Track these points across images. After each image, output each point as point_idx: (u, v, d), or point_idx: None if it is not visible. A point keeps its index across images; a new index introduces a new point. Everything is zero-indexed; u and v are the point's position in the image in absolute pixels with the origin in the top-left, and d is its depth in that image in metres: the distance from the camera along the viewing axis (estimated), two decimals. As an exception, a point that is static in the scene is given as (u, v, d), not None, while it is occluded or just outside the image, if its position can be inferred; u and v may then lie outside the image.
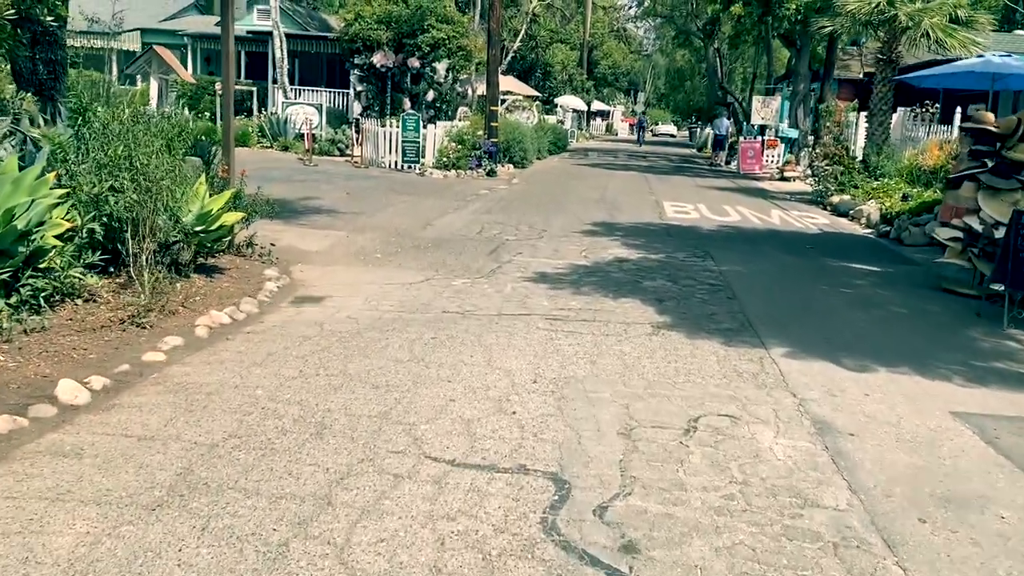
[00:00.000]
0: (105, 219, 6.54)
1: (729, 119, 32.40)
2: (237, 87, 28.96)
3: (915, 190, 14.88)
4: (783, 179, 24.57)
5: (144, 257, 6.41)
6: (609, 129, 65.67)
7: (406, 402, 4.75)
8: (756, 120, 32.09)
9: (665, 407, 4.88)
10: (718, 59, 34.63)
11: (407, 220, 12.32)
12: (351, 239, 10.39)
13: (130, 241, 6.39)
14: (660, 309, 7.37)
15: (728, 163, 31.07)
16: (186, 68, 31.91)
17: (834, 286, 8.97)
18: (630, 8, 62.88)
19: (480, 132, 21.44)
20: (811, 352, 6.20)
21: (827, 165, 24.19)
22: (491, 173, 20.70)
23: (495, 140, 21.45)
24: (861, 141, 23.51)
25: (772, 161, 29.62)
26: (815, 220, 15.32)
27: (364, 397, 4.80)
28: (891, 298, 8.55)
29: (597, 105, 60.92)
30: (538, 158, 27.46)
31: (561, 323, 6.69)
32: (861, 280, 9.49)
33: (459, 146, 20.86)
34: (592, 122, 59.08)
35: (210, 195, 7.85)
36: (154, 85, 13.47)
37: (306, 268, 8.49)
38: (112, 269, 6.68)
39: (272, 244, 9.00)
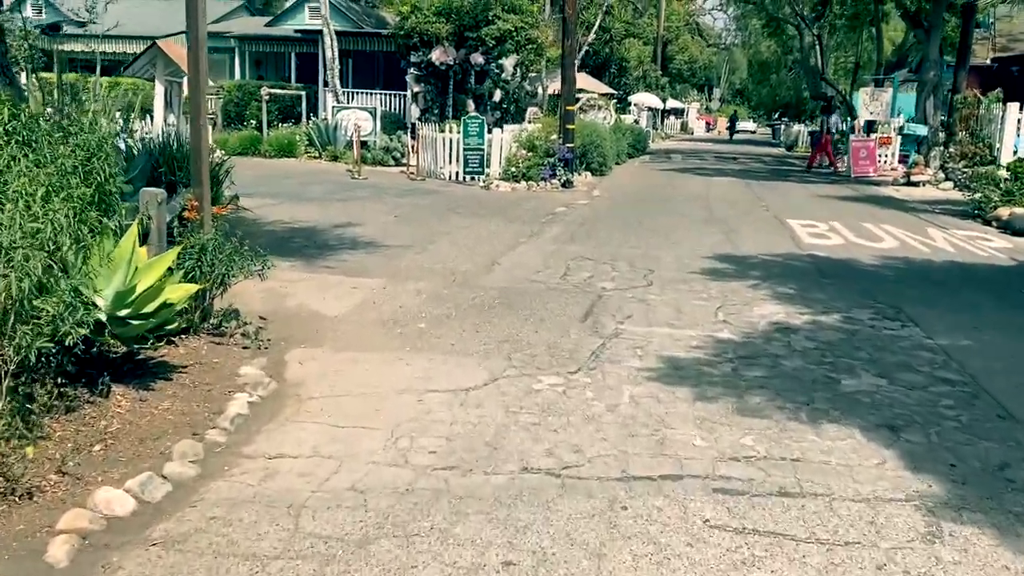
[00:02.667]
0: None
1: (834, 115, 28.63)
2: (285, 91, 26.62)
3: None
4: (910, 184, 20.80)
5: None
6: (684, 127, 61.76)
7: None
8: (864, 115, 28.21)
9: None
10: (818, 47, 30.83)
11: (467, 256, 9.35)
12: (389, 292, 7.46)
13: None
14: (904, 454, 4.18)
15: (832, 163, 27.31)
16: (232, 72, 29.78)
17: None
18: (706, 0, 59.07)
19: (554, 136, 18.39)
20: None
21: (964, 167, 20.43)
22: (567, 184, 17.63)
23: (571, 145, 18.36)
24: (1010, 139, 19.64)
25: (885, 162, 25.81)
26: (992, 244, 11.78)
27: None
28: None
29: (671, 102, 57.21)
30: (617, 163, 24.26)
31: (743, 508, 3.57)
32: None
33: (530, 153, 17.84)
34: (666, 120, 55.43)
35: (157, 251, 5.02)
36: (159, 88, 10.85)
37: (310, 355, 5.57)
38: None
39: (263, 318, 6.13)
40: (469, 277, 8.27)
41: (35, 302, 3.93)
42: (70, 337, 3.94)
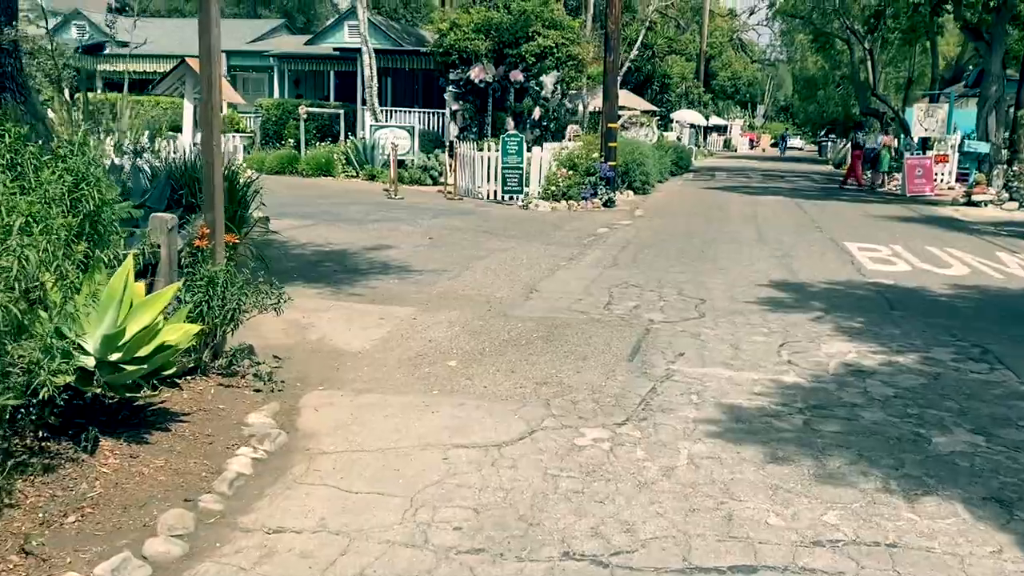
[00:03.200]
0: None
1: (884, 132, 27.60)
2: (323, 110, 26.44)
3: None
4: (971, 203, 19.77)
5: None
6: (728, 145, 60.66)
7: None
8: (918, 132, 27.16)
9: None
10: (869, 62, 29.78)
11: (503, 282, 8.78)
12: (419, 324, 6.91)
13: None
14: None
15: (884, 183, 26.29)
16: (271, 90, 29.76)
17: None
18: (752, 14, 58.13)
19: (595, 154, 17.79)
20: None
21: (1031, 185, 19.37)
22: (609, 203, 17.01)
23: (613, 163, 17.74)
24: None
25: (942, 180, 24.73)
26: (1072, 268, 10.87)
27: None
28: None
29: (714, 119, 56.23)
30: (660, 181, 23.57)
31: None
32: None
33: (570, 172, 17.27)
34: (709, 137, 54.44)
35: (167, 283, 4.54)
36: (188, 108, 10.52)
37: (328, 400, 5.01)
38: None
39: (278, 358, 5.61)
40: (505, 306, 7.69)
41: (8, 347, 3.45)
42: (44, 390, 3.43)
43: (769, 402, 5.11)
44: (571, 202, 16.72)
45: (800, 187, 25.34)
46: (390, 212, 14.86)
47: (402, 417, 4.73)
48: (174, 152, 10.77)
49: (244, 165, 12.41)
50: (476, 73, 21.70)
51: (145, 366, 4.00)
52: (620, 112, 23.54)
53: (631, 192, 19.62)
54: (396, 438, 4.42)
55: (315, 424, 4.63)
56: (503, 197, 17.42)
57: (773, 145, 72.91)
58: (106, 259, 4.11)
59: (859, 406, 5.08)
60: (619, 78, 19.48)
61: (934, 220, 16.70)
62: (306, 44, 29.72)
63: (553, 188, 17.05)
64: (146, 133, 10.59)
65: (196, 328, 4.32)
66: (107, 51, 28.13)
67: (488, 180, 17.84)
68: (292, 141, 25.34)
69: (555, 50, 21.38)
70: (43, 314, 3.73)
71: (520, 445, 4.33)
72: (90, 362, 3.89)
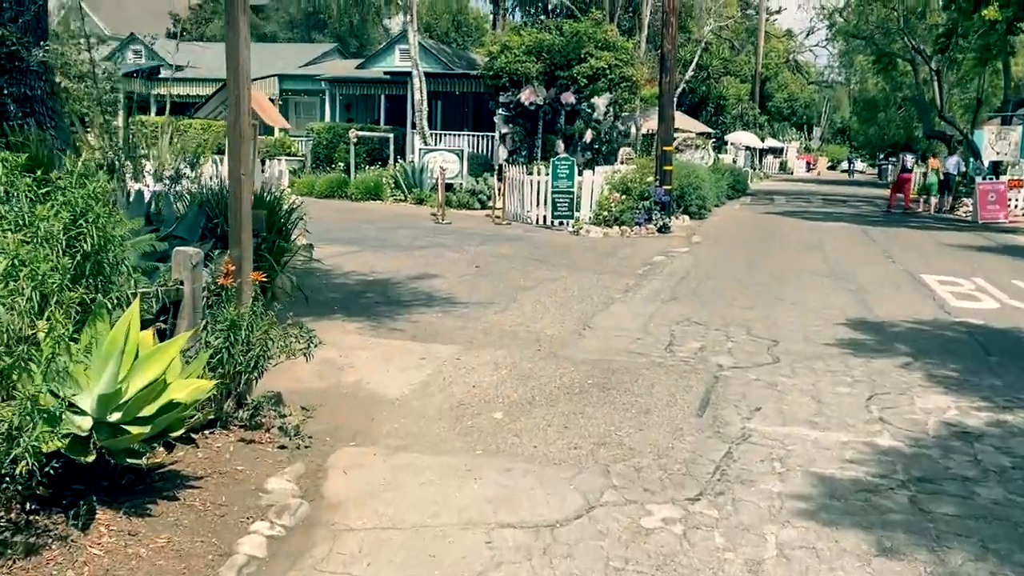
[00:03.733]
0: None
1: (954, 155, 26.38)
2: (373, 134, 26.27)
3: None
4: (1051, 231, 18.58)
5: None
6: (784, 167, 59.31)
7: None
8: (988, 156, 25.86)
9: None
10: (935, 82, 28.59)
11: (554, 317, 8.18)
12: (462, 365, 6.34)
13: None
14: None
15: (952, 208, 25.08)
16: (323, 114, 29.76)
17: None
18: (809, 35, 56.97)
19: (649, 178, 17.13)
20: None
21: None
22: (664, 229, 16.32)
23: (668, 187, 17.06)
24: None
25: (1017, 207, 23.45)
26: None
27: None
28: None
29: (769, 141, 55.01)
30: (716, 205, 22.76)
31: None
32: None
33: (623, 196, 16.63)
34: (764, 159, 53.24)
35: (190, 325, 4.06)
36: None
37: (358, 459, 4.46)
38: None
39: (306, 410, 5.08)
40: (556, 345, 7.08)
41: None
42: (23, 463, 2.94)
43: (865, 472, 4.40)
44: (624, 228, 16.07)
45: (863, 212, 24.29)
46: (437, 238, 14.40)
47: (440, 484, 4.15)
48: (216, 177, 10.46)
49: (289, 191, 12.06)
50: (526, 95, 21.26)
51: (148, 428, 3.50)
52: (675, 134, 22.87)
53: (687, 217, 18.89)
54: (433, 511, 3.84)
55: (343, 490, 4.07)
56: (553, 222, 16.86)
57: (831, 168, 71.19)
58: (109, 304, 3.63)
59: (972, 480, 4.34)
60: (674, 99, 18.84)
61: (1014, 250, 15.63)
62: (357, 68, 29.70)
63: (605, 213, 16.43)
64: (187, 157, 10.31)
65: (209, 385, 3.81)
66: (162, 75, 28.48)
67: (537, 205, 17.30)
68: (342, 165, 25.22)
69: (608, 71, 20.84)
70: (35, 369, 3.26)
71: (576, 526, 3.71)
72: (85, 424, 3.40)
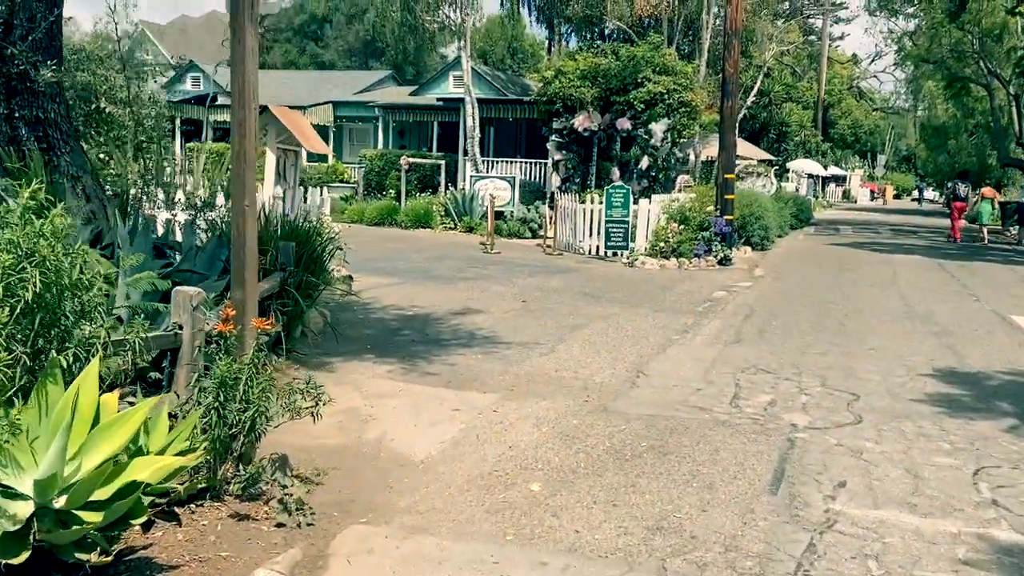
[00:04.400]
0: None
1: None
2: (425, 160, 25.91)
3: None
4: None
5: None
6: (847, 196, 57.47)
7: None
8: (1072, 184, 24.34)
9: None
10: (1013, 108, 27.12)
11: (604, 362, 7.43)
12: (499, 420, 5.64)
13: None
14: None
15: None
16: (376, 141, 29.62)
17: None
18: (873, 60, 55.39)
19: (709, 207, 16.29)
20: None
21: None
22: (725, 261, 15.43)
23: (730, 217, 16.18)
24: None
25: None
26: None
27: None
28: None
29: (832, 169, 53.36)
30: (779, 235, 21.71)
31: None
32: None
33: (681, 226, 15.80)
34: (826, 188, 51.58)
35: (189, 376, 3.45)
36: (270, 158, 9.77)
37: (367, 543, 3.77)
38: None
39: (309, 480, 4.43)
40: (606, 395, 6.34)
41: None
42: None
43: (987, 580, 3.55)
44: (682, 260, 15.23)
45: (936, 244, 22.95)
46: (484, 269, 13.79)
47: (461, 581, 3.44)
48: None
49: (330, 219, 11.59)
50: (580, 121, 20.66)
51: (101, 516, 2.87)
52: (736, 161, 21.96)
53: (748, 248, 17.93)
54: (448, 621, 3.13)
55: (341, 589, 3.39)
56: (606, 253, 16.12)
57: (895, 197, 68.84)
58: (64, 363, 3.04)
59: None
60: (736, 125, 18.00)
61: (1112, 287, 14.32)
62: (411, 95, 29.55)
63: (662, 244, 15.61)
64: (220, 184, 9.90)
65: (177, 464, 3.15)
66: (219, 102, 28.68)
67: (590, 234, 16.60)
68: (393, 192, 24.94)
69: (666, 96, 20.12)
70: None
71: (624, 650, 2.96)
72: (23, 511, 2.79)
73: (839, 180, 58.22)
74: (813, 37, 51.24)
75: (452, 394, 6.26)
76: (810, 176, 41.79)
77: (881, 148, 79.53)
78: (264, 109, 10.40)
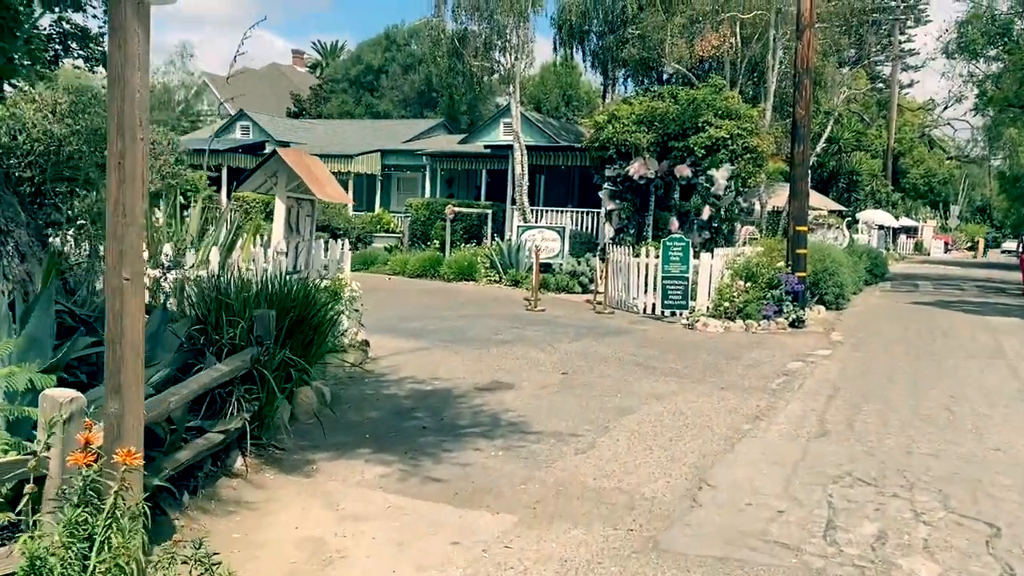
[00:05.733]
0: None
1: None
2: (471, 210, 24.74)
3: None
4: None
5: None
6: (919, 248, 54.65)
7: None
8: None
9: None
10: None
11: (657, 464, 5.90)
12: (509, 564, 4.16)
13: None
14: None
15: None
16: (423, 190, 28.69)
17: None
18: (948, 106, 53.01)
19: (779, 263, 14.65)
20: None
21: None
22: (797, 323, 13.72)
23: (802, 274, 14.50)
24: None
25: None
26: None
27: None
28: None
29: (903, 220, 50.81)
30: (853, 292, 19.82)
31: None
32: None
33: (748, 284, 14.16)
34: (897, 239, 49.01)
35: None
36: (279, 208, 8.62)
37: None
38: None
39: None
40: (657, 518, 4.81)
41: None
42: None
43: None
44: (749, 321, 13.57)
45: (1033, 303, 20.71)
46: (524, 330, 12.37)
47: None
48: (252, 262, 8.85)
49: (348, 276, 10.36)
50: (636, 168, 19.28)
51: None
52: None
53: (822, 307, 16.15)
54: None
55: None
56: (663, 312, 14.54)
57: (970, 248, 65.44)
58: None
59: None
60: (808, 172, 16.39)
61: None
62: (460, 143, 28.65)
63: (726, 304, 13.98)
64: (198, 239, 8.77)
65: None
66: (267, 150, 28.17)
67: (645, 291, 15.07)
68: (438, 242, 23.86)
69: (729, 142, 18.64)
70: None
71: None
72: None
73: (910, 231, 55.51)
74: (881, 84, 49.29)
75: (454, 516, 4.81)
76: (881, 227, 39.56)
77: (954, 198, 76.26)
78: (272, 154, 9.29)
